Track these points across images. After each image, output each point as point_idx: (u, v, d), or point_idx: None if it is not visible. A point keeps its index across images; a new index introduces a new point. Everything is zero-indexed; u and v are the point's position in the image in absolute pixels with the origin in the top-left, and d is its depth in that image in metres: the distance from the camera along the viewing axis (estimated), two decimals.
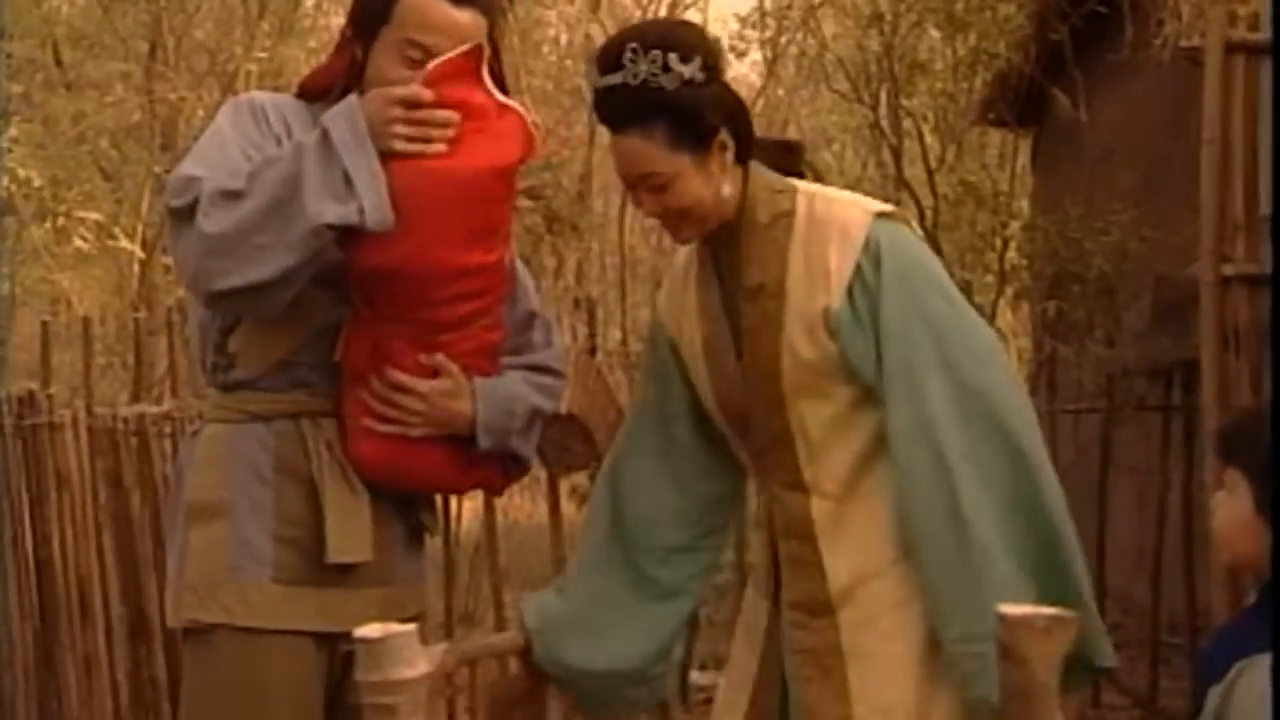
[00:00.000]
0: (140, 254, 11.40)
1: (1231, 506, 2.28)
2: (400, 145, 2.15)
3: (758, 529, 2.48)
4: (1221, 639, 2.47)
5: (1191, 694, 2.45)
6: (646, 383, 2.55)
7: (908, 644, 2.28)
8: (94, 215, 11.35)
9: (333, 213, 2.09)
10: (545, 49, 12.60)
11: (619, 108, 2.26)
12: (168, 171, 10.94)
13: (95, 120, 11.48)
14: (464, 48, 2.23)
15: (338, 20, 13.79)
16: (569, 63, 12.90)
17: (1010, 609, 1.03)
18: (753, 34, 14.80)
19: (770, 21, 14.75)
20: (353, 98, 2.21)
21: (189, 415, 4.46)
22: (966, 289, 8.21)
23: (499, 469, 2.46)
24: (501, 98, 2.26)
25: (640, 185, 2.29)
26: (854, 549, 2.32)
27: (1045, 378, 5.36)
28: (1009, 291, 8.59)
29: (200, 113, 11.61)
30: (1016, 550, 2.19)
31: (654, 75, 2.23)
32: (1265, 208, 3.60)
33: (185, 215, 2.15)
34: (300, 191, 2.10)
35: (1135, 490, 5.36)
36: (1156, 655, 5.03)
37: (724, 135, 2.29)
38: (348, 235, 2.13)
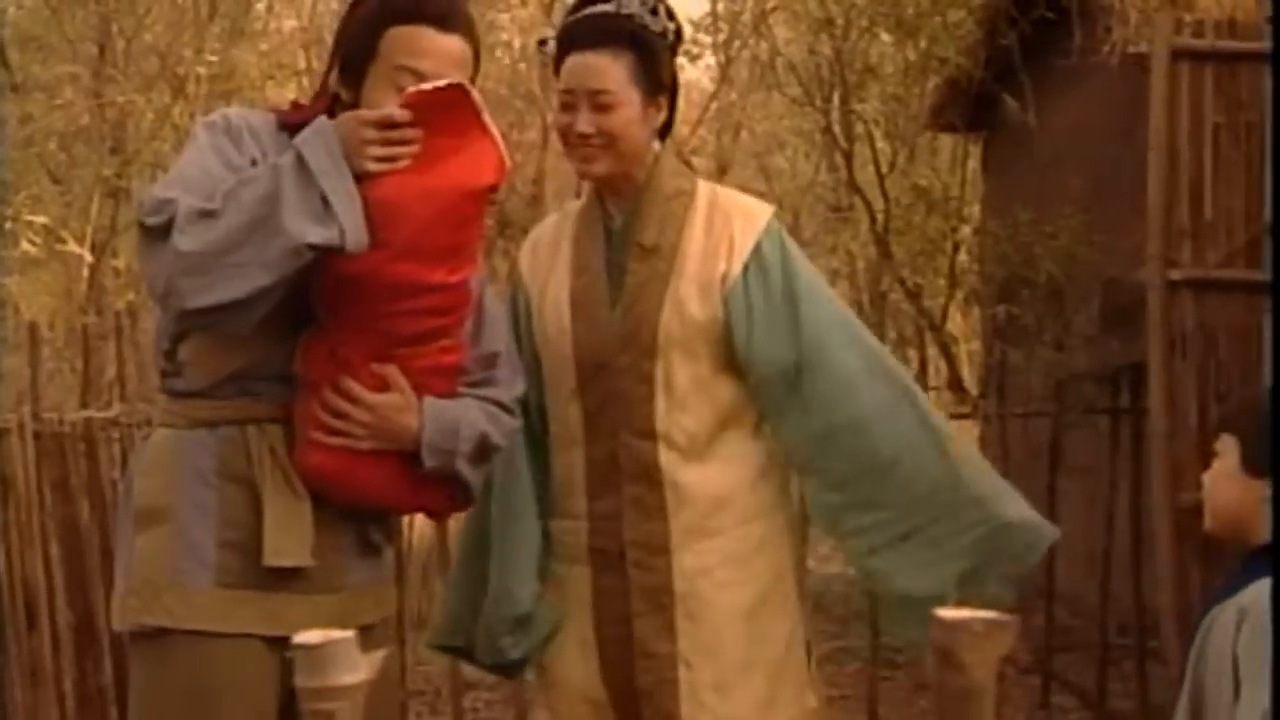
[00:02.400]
0: (89, 258, 11.29)
1: (1220, 466, 2.42)
2: (374, 166, 2.15)
3: (590, 478, 2.59)
4: (1208, 607, 2.53)
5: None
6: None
7: (740, 596, 2.51)
8: (42, 219, 11.24)
9: (315, 234, 2.09)
10: (499, 53, 12.54)
11: (599, 30, 2.49)
12: (117, 175, 10.89)
13: (43, 123, 11.36)
14: (453, 79, 2.22)
15: (290, 23, 13.71)
16: (522, 66, 12.85)
17: (947, 613, 1.03)
18: (705, 38, 14.88)
19: (723, 25, 14.80)
20: (324, 119, 2.20)
21: (137, 420, 4.43)
22: (918, 293, 8.32)
23: (446, 494, 2.43)
24: (488, 123, 2.24)
25: (585, 103, 2.49)
26: (699, 508, 2.52)
27: (995, 382, 5.39)
28: (959, 295, 8.64)
29: (150, 116, 11.51)
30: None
31: (641, 14, 2.49)
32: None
33: (159, 233, 2.14)
34: (278, 210, 2.09)
35: (1084, 493, 5.40)
36: (1105, 657, 5.07)
37: (664, 99, 2.55)
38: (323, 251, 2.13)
